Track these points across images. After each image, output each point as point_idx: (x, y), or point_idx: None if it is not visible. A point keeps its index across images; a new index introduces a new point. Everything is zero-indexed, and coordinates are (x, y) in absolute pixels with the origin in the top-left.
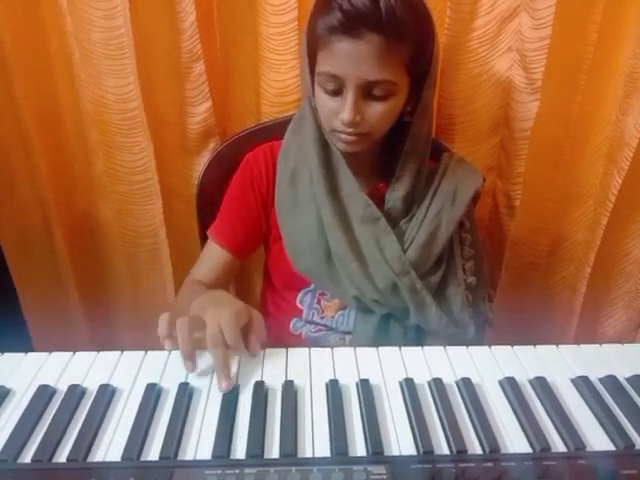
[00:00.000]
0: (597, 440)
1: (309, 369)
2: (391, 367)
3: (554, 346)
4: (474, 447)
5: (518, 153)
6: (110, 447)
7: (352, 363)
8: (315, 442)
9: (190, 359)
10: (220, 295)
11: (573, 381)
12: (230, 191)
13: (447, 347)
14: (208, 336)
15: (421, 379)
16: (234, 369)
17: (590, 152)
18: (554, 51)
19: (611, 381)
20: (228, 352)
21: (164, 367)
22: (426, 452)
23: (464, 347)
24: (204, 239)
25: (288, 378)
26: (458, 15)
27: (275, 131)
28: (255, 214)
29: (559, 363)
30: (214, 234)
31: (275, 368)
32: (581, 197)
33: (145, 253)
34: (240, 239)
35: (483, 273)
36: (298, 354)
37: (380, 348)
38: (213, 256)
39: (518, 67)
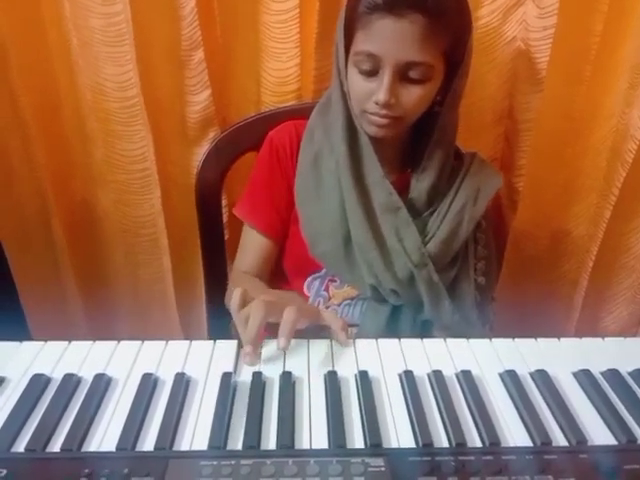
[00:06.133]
0: (599, 434)
1: (307, 360)
2: (390, 359)
3: (555, 339)
4: (474, 440)
5: (521, 145)
6: (105, 437)
7: (351, 355)
8: (313, 434)
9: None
10: (296, 296)
11: (575, 374)
12: (258, 173)
13: (447, 339)
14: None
15: (421, 371)
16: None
17: (594, 144)
18: (559, 41)
19: (613, 375)
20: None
21: (161, 357)
22: (425, 445)
23: (464, 340)
24: (203, 229)
25: (286, 369)
26: None
27: (276, 121)
28: (286, 195)
29: (560, 356)
30: (251, 221)
31: (273, 359)
32: (584, 190)
33: (144, 243)
34: (278, 224)
35: (492, 274)
36: (297, 345)
37: (380, 340)
38: (255, 244)
39: (522, 57)
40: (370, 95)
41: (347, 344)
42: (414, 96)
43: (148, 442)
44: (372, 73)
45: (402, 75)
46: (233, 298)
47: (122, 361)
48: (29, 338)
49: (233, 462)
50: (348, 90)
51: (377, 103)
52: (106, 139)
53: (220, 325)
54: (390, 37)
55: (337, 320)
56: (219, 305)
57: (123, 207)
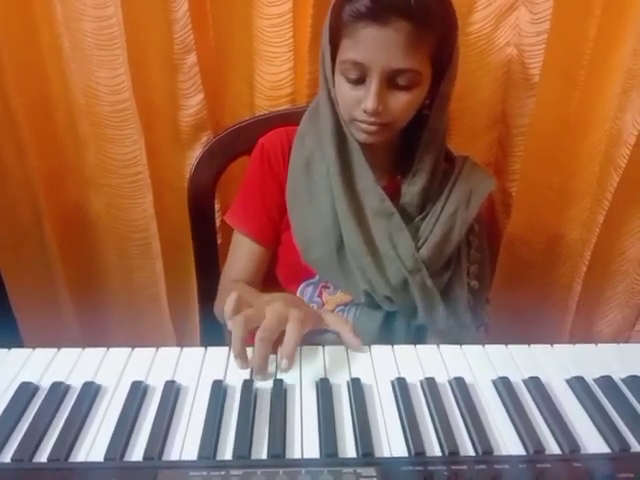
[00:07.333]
0: (592, 442)
1: (299, 367)
2: (383, 366)
3: (549, 346)
4: (467, 449)
5: (514, 149)
6: (93, 447)
7: (343, 361)
8: (304, 443)
9: (240, 357)
10: (294, 297)
11: (568, 381)
12: (250, 180)
13: (440, 346)
14: (261, 327)
15: (413, 378)
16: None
17: (587, 149)
18: (552, 46)
19: (606, 382)
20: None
21: (151, 364)
22: (417, 454)
23: (457, 346)
24: (196, 233)
25: (277, 377)
26: (455, 9)
27: (269, 125)
28: (278, 201)
29: (554, 363)
30: (242, 227)
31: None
32: (578, 195)
33: (136, 247)
34: (269, 230)
35: (485, 277)
36: None
37: (372, 346)
38: (247, 251)
39: (516, 62)
40: (358, 103)
41: (360, 348)
42: (402, 102)
43: (137, 452)
44: (359, 81)
45: (389, 82)
46: (227, 304)
47: (111, 368)
48: (20, 343)
49: (223, 472)
50: (336, 97)
51: (365, 111)
52: (98, 142)
53: (213, 329)
54: (376, 45)
55: (344, 323)
56: (212, 310)
57: (115, 211)
